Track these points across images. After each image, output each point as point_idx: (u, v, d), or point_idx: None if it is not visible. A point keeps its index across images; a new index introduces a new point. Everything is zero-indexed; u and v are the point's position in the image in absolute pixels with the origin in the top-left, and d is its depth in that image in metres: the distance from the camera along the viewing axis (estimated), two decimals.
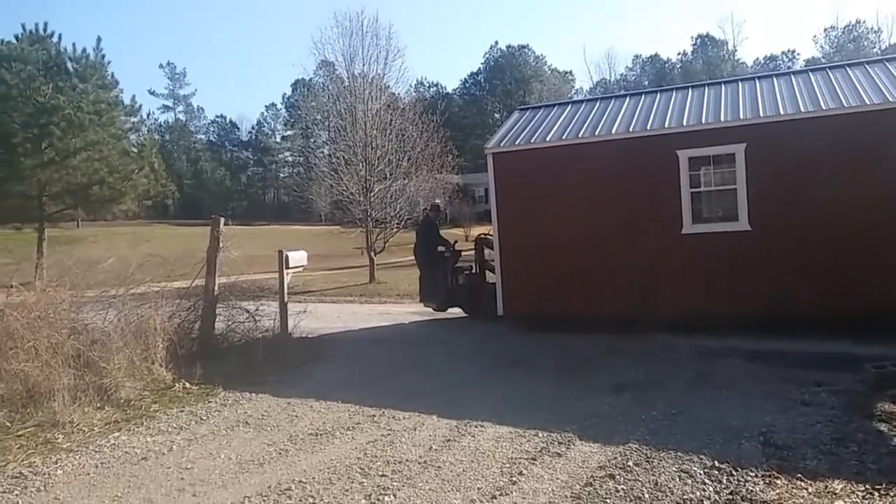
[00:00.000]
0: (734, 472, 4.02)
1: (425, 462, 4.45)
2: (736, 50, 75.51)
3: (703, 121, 8.81)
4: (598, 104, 10.78)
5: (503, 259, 9.74)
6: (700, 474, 4.03)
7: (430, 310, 11.66)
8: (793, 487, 3.79)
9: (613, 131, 9.27)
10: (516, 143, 9.91)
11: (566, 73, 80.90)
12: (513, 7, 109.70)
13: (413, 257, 12.56)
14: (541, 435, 4.88)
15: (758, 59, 73.28)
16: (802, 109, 8.31)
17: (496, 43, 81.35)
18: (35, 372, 5.82)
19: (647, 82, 71.78)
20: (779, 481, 3.87)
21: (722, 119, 8.70)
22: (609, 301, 8.94)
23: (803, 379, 6.06)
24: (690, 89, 10.36)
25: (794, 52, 73.09)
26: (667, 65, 77.82)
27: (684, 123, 8.90)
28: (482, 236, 11.77)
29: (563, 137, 9.57)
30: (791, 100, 8.69)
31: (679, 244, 8.70)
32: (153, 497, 4.04)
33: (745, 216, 8.40)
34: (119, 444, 5.01)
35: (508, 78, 75.85)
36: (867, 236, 7.82)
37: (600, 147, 9.24)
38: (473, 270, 11.62)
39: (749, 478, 3.94)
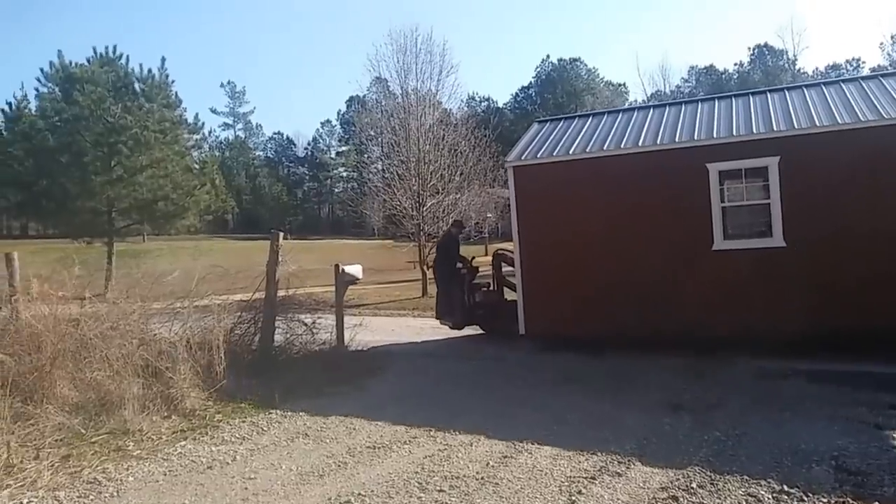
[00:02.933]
0: (805, 498, 3.88)
1: (483, 478, 4.44)
2: (796, 59, 73.24)
3: (735, 133, 8.51)
4: (620, 116, 10.52)
5: (524, 276, 9.49)
6: (768, 499, 3.90)
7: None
8: None
9: (640, 144, 9.01)
10: (538, 156, 9.66)
11: (619, 85, 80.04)
12: (565, 21, 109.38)
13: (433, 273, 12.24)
14: (599, 454, 4.81)
15: (818, 68, 70.92)
16: (839, 121, 7.99)
17: (548, 56, 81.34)
18: (107, 381, 6.08)
19: (702, 94, 70.17)
20: None
21: (754, 131, 8.40)
22: (637, 320, 8.61)
23: (873, 401, 5.80)
24: (717, 101, 10.05)
25: (858, 60, 70.43)
26: (723, 75, 76.04)
27: (714, 136, 8.61)
28: (499, 252, 11.59)
29: (587, 150, 9.33)
30: (826, 111, 8.38)
31: (709, 261, 8.41)
32: None
33: (780, 232, 8.08)
34: (185, 452, 5.18)
35: (560, 91, 75.46)
36: None
37: (625, 160, 8.99)
38: (491, 287, 11.33)
39: None
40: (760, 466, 4.42)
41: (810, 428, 5.20)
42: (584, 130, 10.16)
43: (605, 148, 9.22)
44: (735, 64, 78.65)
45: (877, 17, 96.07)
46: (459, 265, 11.26)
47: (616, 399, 6.47)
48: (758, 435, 5.11)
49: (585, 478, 4.39)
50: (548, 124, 11.16)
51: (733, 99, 9.94)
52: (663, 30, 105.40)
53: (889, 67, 58.30)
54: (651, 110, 10.46)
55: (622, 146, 9.12)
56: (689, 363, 7.65)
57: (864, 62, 69.46)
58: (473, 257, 11.72)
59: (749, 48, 77.87)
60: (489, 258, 11.92)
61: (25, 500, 4.21)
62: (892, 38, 64.69)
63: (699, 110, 9.70)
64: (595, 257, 8.96)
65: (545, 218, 9.34)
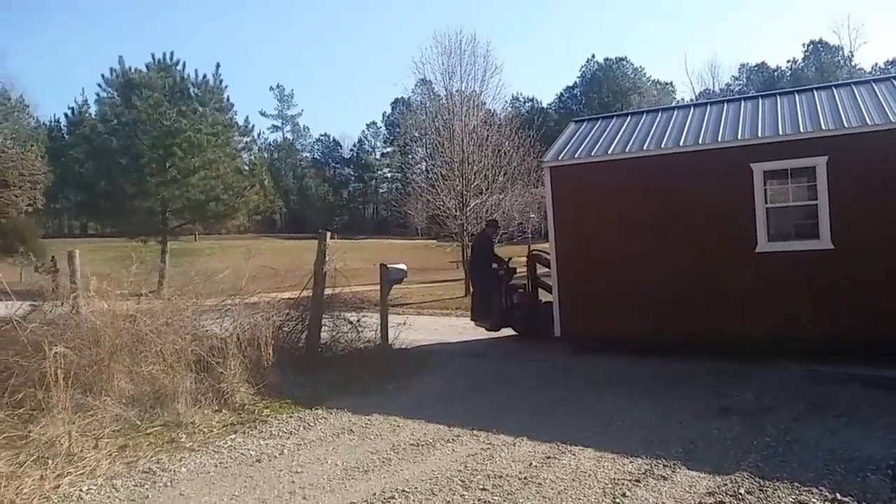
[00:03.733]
0: None
1: (526, 478, 4.44)
2: (853, 55, 70.51)
3: (781, 132, 8.24)
4: (660, 115, 10.25)
5: (561, 278, 9.34)
6: None
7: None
8: None
9: (681, 143, 8.79)
10: (575, 156, 9.48)
11: (666, 84, 78.55)
12: (611, 20, 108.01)
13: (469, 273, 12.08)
14: (644, 457, 4.75)
15: (877, 63, 68.04)
16: (893, 119, 7.65)
17: (593, 56, 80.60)
18: (161, 375, 6.31)
19: (753, 92, 68.31)
20: None
21: (801, 130, 8.12)
22: (677, 323, 8.44)
23: None
24: (762, 98, 9.73)
25: None
26: (776, 73, 73.80)
27: (759, 135, 8.35)
28: (534, 252, 11.43)
29: (627, 150, 9.11)
30: (877, 109, 8.04)
31: (753, 263, 8.15)
32: (267, 498, 4.27)
33: (828, 234, 7.80)
34: (235, 445, 5.33)
35: (606, 91, 74.54)
36: None
37: (666, 160, 8.77)
38: (527, 288, 11.17)
39: None
40: (812, 473, 4.30)
41: (866, 435, 5.03)
42: (622, 130, 9.97)
43: (644, 148, 9.02)
44: (788, 61, 76.33)
45: None
46: (496, 265, 11.15)
47: (662, 401, 6.37)
48: (810, 441, 4.96)
49: (630, 480, 4.34)
50: (585, 124, 10.98)
51: (779, 97, 9.64)
52: (713, 27, 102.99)
53: None
54: (692, 109, 10.21)
55: (662, 146, 8.92)
56: (737, 366, 7.50)
57: None
58: (510, 258, 11.59)
59: (803, 45, 75.43)
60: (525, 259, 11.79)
61: (85, 488, 4.40)
62: None
63: (743, 109, 9.44)
64: (634, 259, 8.77)
65: (582, 219, 9.22)
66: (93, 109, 28.27)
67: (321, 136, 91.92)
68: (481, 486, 4.31)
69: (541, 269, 11.11)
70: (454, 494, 4.21)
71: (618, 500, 4.02)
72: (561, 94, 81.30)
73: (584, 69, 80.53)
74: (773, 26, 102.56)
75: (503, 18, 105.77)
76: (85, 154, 26.45)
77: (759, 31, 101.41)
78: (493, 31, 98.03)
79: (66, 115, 28.00)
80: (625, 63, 78.00)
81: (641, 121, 10.21)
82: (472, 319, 11.40)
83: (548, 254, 10.80)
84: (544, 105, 78.45)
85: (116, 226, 29.92)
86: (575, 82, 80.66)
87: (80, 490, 4.35)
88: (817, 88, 9.65)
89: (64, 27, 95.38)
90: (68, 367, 5.81)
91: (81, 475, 4.54)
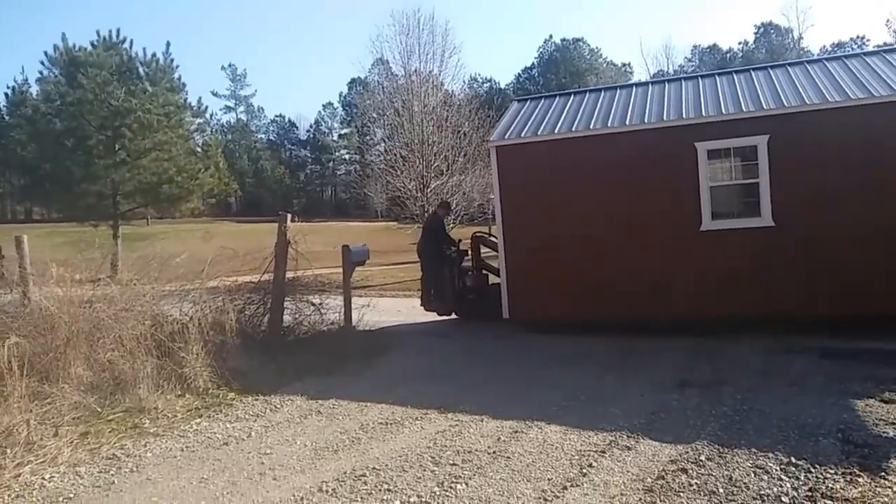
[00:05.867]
0: (812, 469, 3.94)
1: (494, 452, 4.52)
2: (802, 37, 72.50)
3: (724, 111, 8.41)
4: (603, 94, 10.30)
5: (508, 260, 9.25)
6: (776, 470, 3.96)
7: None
8: (877, 486, 3.69)
9: (626, 122, 8.85)
10: (521, 135, 9.37)
11: (623, 65, 79.47)
12: (568, 0, 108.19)
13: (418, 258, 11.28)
14: (608, 428, 4.88)
15: (824, 46, 70.16)
16: (829, 99, 7.94)
17: (550, 37, 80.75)
18: (121, 361, 6.16)
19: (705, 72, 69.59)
20: (861, 479, 3.77)
21: (743, 109, 8.31)
22: (626, 302, 8.54)
23: (883, 376, 5.85)
24: (703, 79, 9.92)
25: (863, 38, 69.59)
26: (728, 54, 75.35)
27: (703, 114, 8.50)
28: (478, 234, 11.28)
29: (573, 129, 9.09)
30: (814, 89, 8.32)
31: (698, 241, 8.34)
32: (237, 480, 4.24)
33: (769, 212, 8.05)
34: (201, 429, 5.27)
35: (563, 72, 74.93)
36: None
37: (613, 139, 8.81)
38: (475, 271, 10.91)
39: (828, 475, 3.85)
40: (768, 440, 4.48)
41: (818, 402, 5.26)
42: (567, 109, 9.92)
43: (591, 127, 9.02)
44: (739, 43, 78.00)
45: None
46: (446, 247, 10.87)
47: (622, 377, 6.54)
48: (765, 409, 5.17)
49: (596, 451, 4.46)
50: (529, 102, 10.87)
51: (721, 77, 9.82)
52: (667, 9, 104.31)
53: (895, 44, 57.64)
54: (634, 88, 10.30)
55: (609, 125, 8.93)
56: (690, 342, 7.72)
57: (868, 40, 68.65)
58: (460, 240, 11.33)
59: (754, 27, 77.13)
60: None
61: (47, 476, 4.30)
62: None
63: (686, 88, 9.56)
64: (582, 239, 8.78)
65: (530, 199, 9.13)
66: (34, 89, 27.15)
67: (276, 117, 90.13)
68: (451, 462, 4.37)
69: (484, 251, 11.04)
70: (424, 470, 4.25)
71: (585, 471, 4.13)
72: (519, 74, 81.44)
73: (541, 50, 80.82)
74: (726, 8, 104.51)
75: None
76: (28, 136, 25.36)
77: (713, 13, 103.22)
78: (451, 11, 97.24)
79: (5, 94, 26.80)
80: (581, 44, 78.57)
81: (585, 100, 10.22)
82: (422, 305, 10.97)
83: (491, 235, 10.77)
84: (502, 86, 78.43)
85: (64, 210, 28.90)
86: (533, 63, 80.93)
87: (43, 478, 4.25)
88: (758, 69, 9.91)
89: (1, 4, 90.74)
90: (22, 355, 5.64)
91: (43, 463, 4.43)
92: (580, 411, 5.39)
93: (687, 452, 4.35)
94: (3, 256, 7.82)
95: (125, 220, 26.66)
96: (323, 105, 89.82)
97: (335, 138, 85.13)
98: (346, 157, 79.81)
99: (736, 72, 9.99)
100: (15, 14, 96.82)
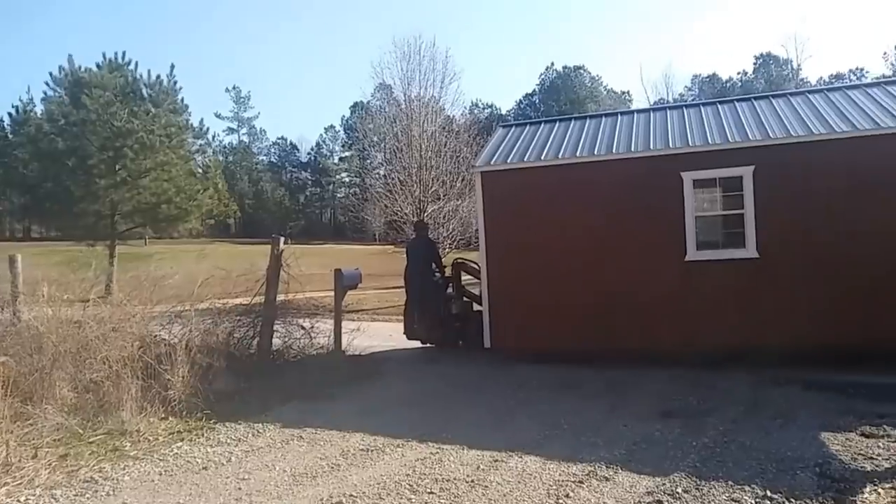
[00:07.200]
0: (786, 503, 3.94)
1: (473, 481, 4.51)
2: (800, 68, 73.28)
3: (709, 141, 8.48)
4: (588, 122, 10.35)
5: (492, 287, 9.13)
6: (751, 503, 3.96)
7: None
8: None
9: (614, 150, 8.89)
10: (507, 160, 9.33)
11: (623, 93, 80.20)
12: (569, 29, 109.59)
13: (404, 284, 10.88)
14: (588, 459, 4.88)
15: (822, 77, 70.96)
16: (814, 131, 8.05)
17: (552, 64, 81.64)
18: (106, 382, 6.17)
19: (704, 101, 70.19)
20: None
21: (729, 139, 8.39)
22: (608, 332, 8.47)
23: (864, 410, 5.86)
24: (685, 109, 10.02)
25: (862, 69, 70.40)
26: (727, 84, 76.11)
27: (689, 144, 8.57)
28: (459, 260, 11.08)
29: (559, 156, 9.10)
30: (799, 122, 8.44)
31: (683, 271, 8.33)
32: None
33: (753, 243, 8.09)
34: (181, 453, 5.26)
35: (564, 99, 75.64)
36: (885, 266, 7.62)
37: (599, 167, 8.81)
38: (456, 298, 10.60)
39: None
40: (746, 473, 4.48)
41: (799, 436, 5.26)
42: (552, 136, 9.94)
43: (577, 154, 9.04)
44: (739, 73, 78.77)
45: (879, 27, 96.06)
46: (438, 274, 10.58)
47: (606, 406, 6.54)
48: (746, 442, 5.17)
49: (573, 482, 4.46)
50: (514, 129, 10.87)
51: (702, 108, 9.90)
52: (668, 38, 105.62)
53: (893, 76, 58.28)
54: (620, 117, 10.35)
55: (595, 153, 8.96)
56: (676, 373, 7.69)
57: (867, 71, 69.39)
58: (445, 266, 11.01)
59: (754, 57, 77.99)
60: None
61: (23, 498, 4.29)
62: (894, 47, 64.72)
63: (672, 118, 9.63)
64: (567, 267, 8.73)
65: (514, 226, 9.05)
66: (38, 109, 27.39)
67: (278, 139, 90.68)
68: (429, 490, 4.37)
69: (465, 277, 10.86)
70: (401, 498, 4.25)
71: (561, 501, 4.13)
72: (520, 100, 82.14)
73: (542, 77, 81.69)
74: (727, 39, 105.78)
75: (463, 23, 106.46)
76: (30, 155, 25.54)
77: (712, 43, 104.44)
78: (452, 37, 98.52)
79: (9, 114, 27.03)
80: (582, 72, 79.43)
81: (571, 127, 10.26)
82: (405, 333, 10.62)
83: (472, 262, 10.64)
84: (503, 111, 79.13)
85: (62, 229, 28.98)
86: (534, 90, 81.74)
87: (18, 500, 4.25)
88: (743, 99, 10.04)
89: (7, 26, 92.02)
90: (7, 375, 5.65)
91: (19, 485, 4.43)
92: (561, 441, 5.40)
93: (664, 484, 4.35)
94: None
95: (122, 239, 26.72)
96: (325, 128, 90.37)
97: (336, 161, 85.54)
98: (347, 180, 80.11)
99: (721, 102, 10.12)
100: (22, 36, 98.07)
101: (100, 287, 10.39)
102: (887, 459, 4.65)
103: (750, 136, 8.34)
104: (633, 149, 8.85)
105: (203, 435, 5.73)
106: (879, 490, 4.11)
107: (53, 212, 26.18)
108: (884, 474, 4.37)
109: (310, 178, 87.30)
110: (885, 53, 70.47)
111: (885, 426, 5.37)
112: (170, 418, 6.05)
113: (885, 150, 7.72)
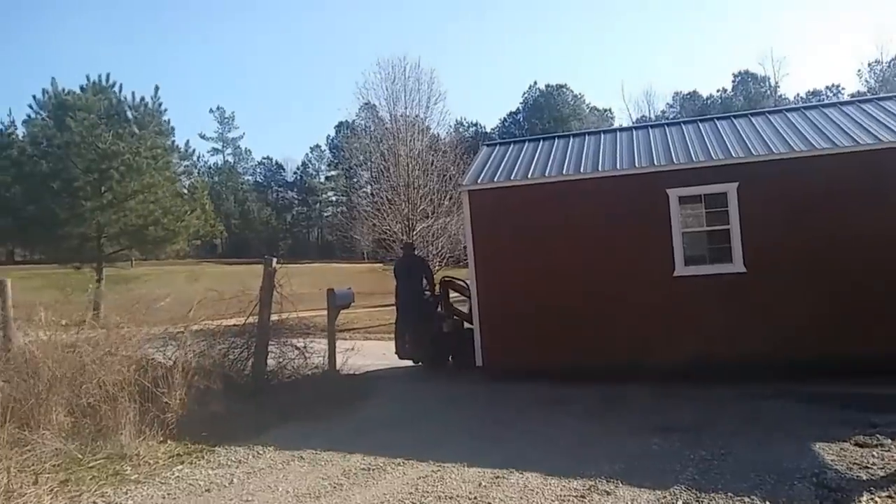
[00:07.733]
0: None
1: (475, 498, 4.55)
2: (778, 85, 74.70)
3: (694, 159, 8.66)
4: (572, 141, 10.49)
5: (482, 305, 9.13)
6: None
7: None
8: None
9: (600, 168, 9.02)
10: (494, 179, 9.42)
11: (605, 111, 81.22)
12: (552, 48, 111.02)
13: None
14: (589, 474, 4.92)
15: (799, 94, 72.31)
16: (794, 148, 8.28)
17: (535, 82, 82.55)
18: (103, 406, 6.14)
19: (684, 118, 71.21)
20: None
21: (713, 157, 8.57)
22: (599, 348, 8.54)
23: (858, 420, 5.97)
24: (667, 127, 10.21)
25: (838, 86, 71.94)
26: (707, 101, 77.36)
27: (674, 161, 8.73)
28: (447, 279, 11.15)
29: (546, 174, 9.22)
30: (780, 139, 8.66)
31: (671, 287, 8.43)
32: None
33: (740, 257, 8.24)
34: (183, 476, 5.25)
35: (547, 117, 76.46)
36: (867, 278, 7.80)
37: (585, 185, 8.95)
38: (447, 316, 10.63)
39: None
40: (745, 484, 4.56)
41: (795, 447, 5.35)
42: (537, 154, 10.05)
43: (563, 172, 9.16)
44: (718, 90, 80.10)
45: (854, 45, 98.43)
46: (428, 292, 10.63)
47: (603, 422, 6.62)
48: (743, 454, 5.25)
49: (575, 497, 4.51)
50: (498, 148, 10.98)
51: (689, 125, 10.10)
52: (649, 57, 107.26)
53: (868, 93, 59.57)
54: (602, 135, 10.52)
55: (581, 171, 9.09)
56: (669, 389, 7.71)
57: (843, 88, 70.95)
58: (436, 284, 11.03)
59: (733, 75, 79.37)
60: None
61: None
62: (868, 65, 66.24)
63: (655, 136, 9.79)
64: (556, 285, 8.79)
65: (503, 244, 9.10)
66: (20, 131, 27.22)
67: (263, 159, 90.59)
68: None
69: (453, 295, 10.90)
70: None
71: None
72: (504, 119, 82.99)
73: (526, 95, 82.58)
74: (706, 57, 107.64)
75: (447, 42, 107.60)
76: (12, 178, 25.33)
77: (693, 61, 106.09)
78: (437, 56, 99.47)
79: None
80: (565, 90, 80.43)
81: (555, 146, 10.40)
82: (396, 353, 10.62)
83: (459, 279, 10.70)
84: (488, 130, 79.77)
85: (47, 252, 28.69)
86: (518, 108, 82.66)
87: None
88: (723, 118, 10.30)
89: None
90: (4, 402, 5.62)
91: None
92: (561, 457, 5.44)
93: (665, 497, 4.42)
94: None
95: (109, 262, 26.50)
96: (311, 147, 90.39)
97: (322, 180, 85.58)
98: (333, 198, 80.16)
99: (702, 120, 10.36)
100: (4, 58, 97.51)
101: (88, 310, 10.34)
102: (882, 468, 4.75)
103: (732, 154, 8.53)
104: (618, 166, 8.98)
105: (203, 457, 5.72)
106: (876, 498, 4.20)
107: (38, 235, 25.89)
108: (879, 483, 4.46)
109: (296, 197, 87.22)
110: (859, 71, 71.95)
111: (878, 435, 5.48)
112: (169, 441, 6.02)
113: (862, 166, 7.94)
